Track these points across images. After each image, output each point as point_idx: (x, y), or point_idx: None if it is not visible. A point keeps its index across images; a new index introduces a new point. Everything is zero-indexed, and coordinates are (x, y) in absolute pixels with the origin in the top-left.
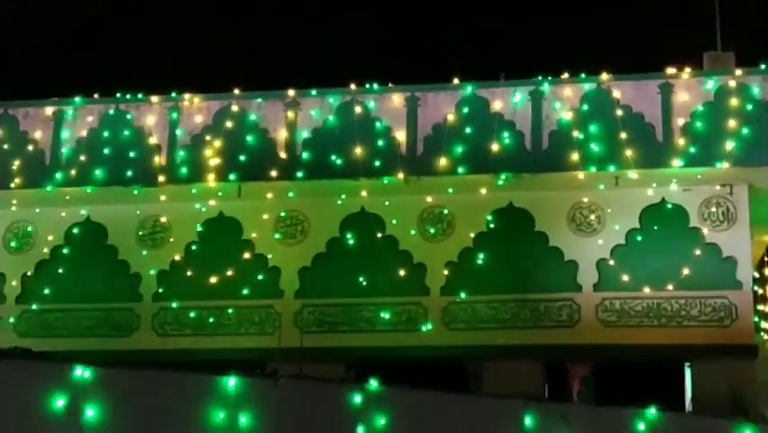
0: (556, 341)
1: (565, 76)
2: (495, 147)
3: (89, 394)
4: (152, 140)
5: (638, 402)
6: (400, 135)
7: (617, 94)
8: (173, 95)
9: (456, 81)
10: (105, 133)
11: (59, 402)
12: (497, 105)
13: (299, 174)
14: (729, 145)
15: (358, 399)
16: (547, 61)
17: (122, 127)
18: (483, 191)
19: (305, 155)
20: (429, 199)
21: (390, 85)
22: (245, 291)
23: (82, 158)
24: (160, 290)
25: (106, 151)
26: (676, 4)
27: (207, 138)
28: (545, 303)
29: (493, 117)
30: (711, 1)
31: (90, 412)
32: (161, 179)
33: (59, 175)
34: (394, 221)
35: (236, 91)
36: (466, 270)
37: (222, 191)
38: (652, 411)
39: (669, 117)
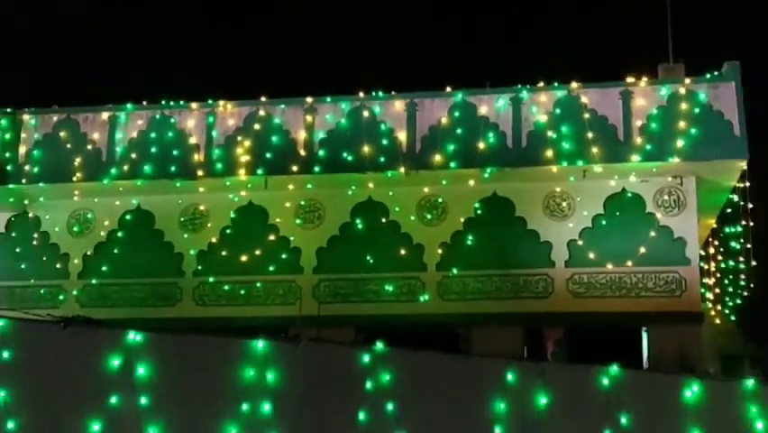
0: (533, 309)
1: (541, 84)
2: (481, 145)
3: (140, 355)
4: (192, 140)
5: (603, 361)
6: (401, 135)
7: (584, 99)
8: (209, 102)
9: (449, 89)
10: (153, 135)
11: (115, 362)
12: (483, 110)
13: (316, 169)
14: (680, 143)
15: (366, 358)
16: (526, 72)
17: (166, 129)
18: (472, 183)
19: (321, 153)
20: (426, 190)
21: (393, 93)
22: (271, 268)
23: (133, 155)
24: (199, 267)
25: (153, 149)
26: (634, 23)
27: (239, 138)
28: (524, 277)
29: (480, 120)
30: (664, 20)
31: (141, 370)
32: (200, 173)
33: (113, 170)
34: (396, 208)
35: (263, 98)
36: (457, 249)
37: (251, 183)
38: (614, 369)
39: (628, 119)
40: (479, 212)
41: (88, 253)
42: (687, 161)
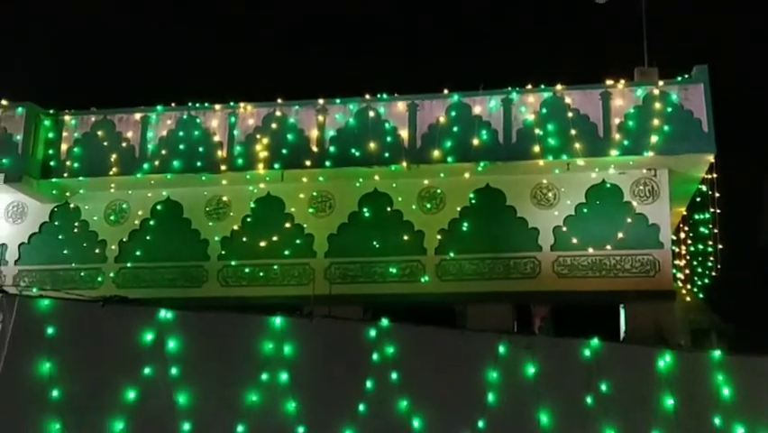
0: (522, 289)
1: (529, 87)
2: (475, 142)
3: (171, 330)
4: (216, 138)
5: (585, 335)
6: (404, 133)
7: (568, 100)
8: (231, 103)
9: (446, 91)
10: (180, 133)
11: (148, 337)
12: (476, 110)
13: (327, 163)
14: (654, 139)
15: (373, 333)
16: (516, 75)
17: (192, 128)
18: (467, 175)
19: (331, 149)
20: (426, 182)
21: (395, 94)
22: (287, 252)
23: (163, 152)
24: (223, 252)
25: (181, 146)
26: (614, 31)
27: (257, 136)
28: (514, 260)
29: (474, 119)
30: (640, 28)
31: (171, 344)
32: (223, 167)
33: (145, 165)
34: (399, 198)
35: (279, 100)
36: (454, 235)
37: (269, 177)
38: (595, 341)
39: (608, 118)
40: (473, 202)
41: (123, 239)
42: (660, 155)
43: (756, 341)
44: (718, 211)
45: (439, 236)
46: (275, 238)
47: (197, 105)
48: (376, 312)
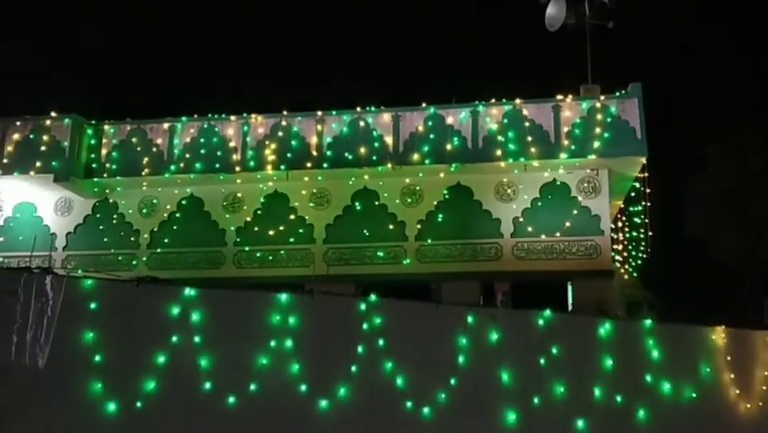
0: (487, 269)
1: (493, 101)
2: (448, 147)
3: (194, 305)
4: (231, 144)
5: (538, 307)
6: (389, 140)
7: (525, 112)
8: (244, 115)
9: (424, 105)
10: (202, 140)
11: (175, 310)
12: (449, 120)
13: (325, 165)
14: (596, 144)
15: (363, 306)
16: (482, 92)
17: (212, 136)
18: (441, 175)
19: (328, 153)
20: (407, 180)
21: (382, 107)
22: (291, 239)
23: (187, 156)
24: (238, 239)
25: (202, 151)
26: (564, 54)
27: (266, 142)
28: (480, 245)
29: (447, 127)
30: (585, 52)
31: (195, 316)
32: (237, 168)
33: (172, 167)
34: (385, 194)
35: (284, 112)
36: (431, 225)
37: (276, 176)
38: (547, 313)
39: (558, 127)
40: (446, 197)
41: (154, 229)
42: (601, 157)
43: (680, 312)
44: (649, 204)
45: (418, 226)
46: (281, 228)
47: (216, 116)
48: (366, 289)
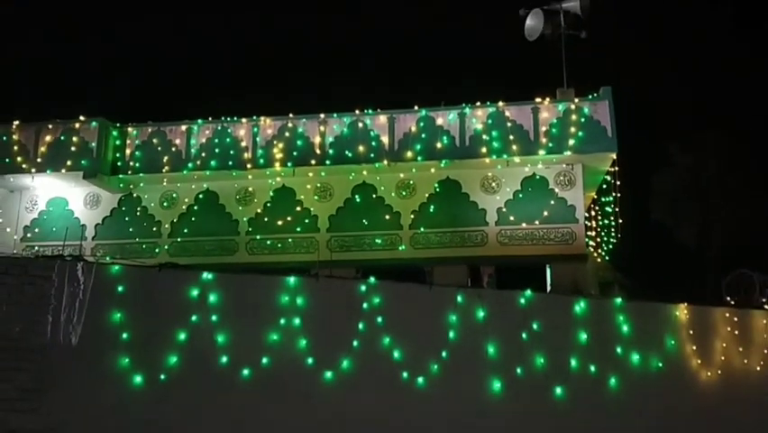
0: (474, 254)
1: (478, 103)
2: (438, 145)
3: (211, 288)
4: (243, 143)
5: (520, 288)
6: (385, 139)
7: (507, 113)
8: (254, 117)
9: (416, 107)
10: (216, 140)
11: (194, 292)
12: (439, 121)
13: (327, 162)
14: (571, 142)
15: (363, 288)
16: (469, 95)
17: (225, 137)
18: (432, 170)
19: (330, 151)
20: (402, 175)
21: (378, 110)
22: (298, 229)
23: (203, 154)
24: (249, 229)
25: (217, 150)
26: (542, 61)
27: (275, 142)
28: (468, 232)
29: (437, 128)
30: (560, 59)
31: (212, 298)
32: (249, 166)
33: (190, 164)
34: (382, 188)
35: (290, 115)
36: (423, 215)
37: (284, 172)
38: (528, 292)
39: (537, 126)
40: (437, 190)
41: (174, 220)
42: (576, 153)
43: (647, 291)
44: (619, 195)
45: (412, 216)
46: (289, 218)
47: (229, 118)
48: (365, 272)
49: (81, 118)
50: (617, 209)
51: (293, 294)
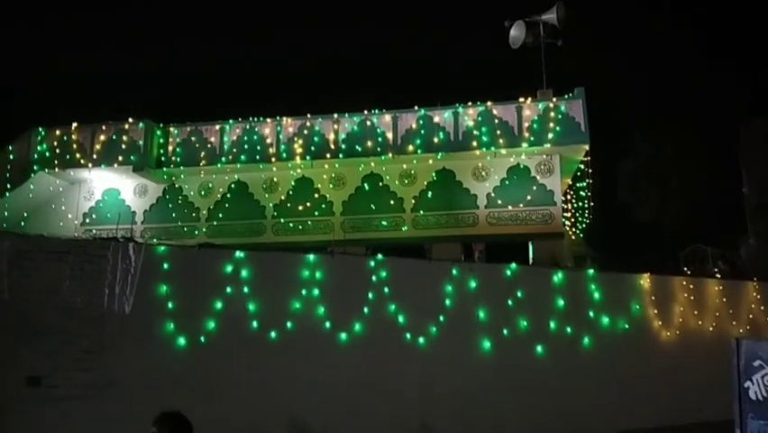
0: (467, 233)
1: (469, 103)
2: (435, 139)
3: (243, 264)
4: (268, 140)
5: (507, 261)
6: (389, 135)
7: (495, 111)
8: (277, 118)
9: (416, 108)
10: (245, 138)
11: (228, 268)
12: (436, 119)
13: (341, 155)
14: (550, 136)
15: (372, 263)
16: (461, 95)
17: (252, 135)
18: (430, 161)
19: (343, 146)
20: (404, 166)
21: (384, 110)
22: (316, 213)
23: (234, 150)
24: (275, 213)
25: (245, 146)
26: (525, 66)
27: (295, 139)
28: (461, 215)
29: (435, 125)
30: (540, 64)
31: (243, 272)
32: (273, 159)
33: (223, 159)
34: (387, 177)
35: (308, 115)
36: (423, 200)
37: (303, 165)
38: (513, 265)
39: (521, 123)
40: (435, 178)
41: (210, 207)
42: (554, 146)
43: (615, 263)
44: (591, 181)
45: (413, 201)
46: (308, 204)
47: (256, 119)
48: (374, 250)
49: (130, 120)
50: (589, 193)
51: (312, 269)
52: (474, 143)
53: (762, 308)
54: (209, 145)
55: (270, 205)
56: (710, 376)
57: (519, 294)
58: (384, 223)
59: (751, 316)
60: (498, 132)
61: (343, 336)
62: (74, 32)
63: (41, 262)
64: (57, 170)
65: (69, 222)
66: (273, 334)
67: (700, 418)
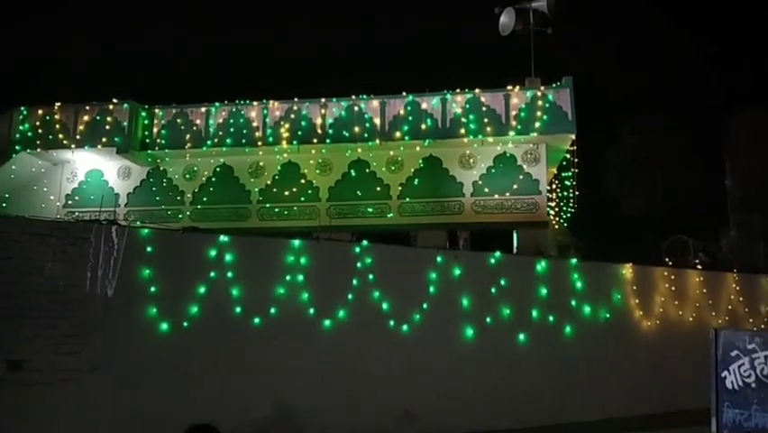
0: (452, 221)
1: (457, 90)
2: (423, 126)
3: (227, 249)
4: (254, 124)
5: (491, 249)
6: (377, 120)
7: (483, 99)
8: (264, 101)
9: (404, 93)
10: (231, 120)
11: (212, 252)
12: (424, 105)
13: (327, 140)
14: (537, 124)
15: (357, 249)
16: (450, 82)
17: (238, 118)
18: (417, 148)
19: (330, 131)
20: (391, 153)
21: (371, 96)
22: (302, 198)
23: (220, 133)
24: (260, 198)
25: (231, 129)
26: (514, 53)
27: (282, 123)
28: (447, 202)
29: (422, 111)
30: (529, 52)
31: (228, 257)
32: (259, 143)
33: (209, 142)
34: (374, 163)
35: (295, 99)
36: (409, 187)
37: (289, 149)
38: (497, 254)
39: (508, 111)
40: (421, 165)
41: (195, 190)
42: (541, 135)
43: (598, 253)
44: (577, 170)
45: (400, 188)
46: (294, 189)
47: (242, 102)
48: (359, 236)
49: (114, 101)
50: (574, 183)
51: (297, 254)
52: (462, 131)
53: (740, 299)
54: (194, 128)
55: (256, 189)
56: (689, 365)
57: (503, 282)
58: (370, 209)
59: (730, 307)
60: (486, 120)
61: (327, 322)
62: (58, 13)
63: (24, 243)
64: (39, 150)
65: (52, 203)
66: (257, 320)
67: (679, 406)
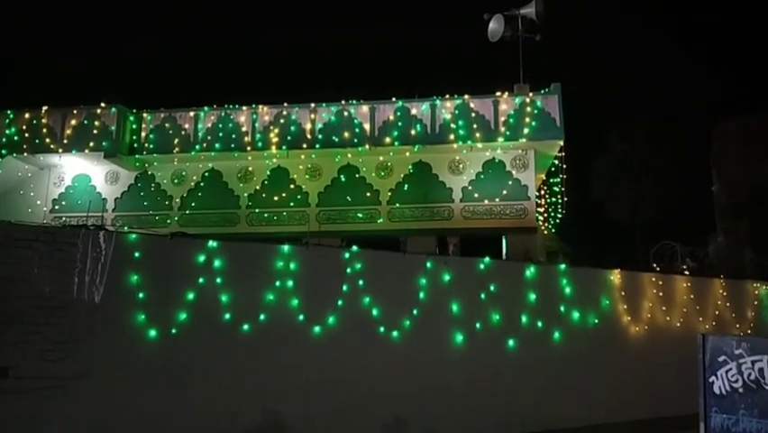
0: (442, 226)
1: (447, 96)
2: (412, 132)
3: (215, 254)
4: (243, 128)
5: (480, 255)
6: (367, 126)
7: (472, 105)
8: (253, 105)
9: (394, 99)
10: (220, 125)
11: (201, 258)
12: (413, 111)
13: (317, 146)
14: (525, 130)
15: (347, 255)
16: (439, 88)
17: (227, 122)
18: (407, 154)
19: (320, 136)
20: (381, 158)
21: (361, 101)
22: (291, 204)
23: (209, 138)
24: (249, 203)
25: (220, 134)
26: (502, 60)
27: (271, 127)
28: (437, 208)
29: (412, 117)
30: (518, 58)
31: (216, 263)
32: (248, 148)
33: (197, 146)
34: (364, 168)
35: (285, 104)
36: (399, 192)
37: (279, 154)
38: (486, 259)
39: (497, 117)
40: (411, 171)
41: (184, 195)
42: (529, 141)
43: (587, 258)
44: (565, 176)
45: (389, 193)
46: (283, 194)
47: (231, 106)
48: (349, 242)
49: (102, 105)
50: (562, 188)
51: (287, 260)
52: (451, 137)
53: (728, 304)
54: (183, 132)
55: (245, 194)
56: (677, 371)
57: (492, 288)
58: (360, 215)
59: (717, 312)
60: (475, 125)
61: (317, 328)
62: (46, 17)
63: (10, 249)
64: (26, 154)
65: (38, 208)
66: (246, 326)
67: (667, 412)
